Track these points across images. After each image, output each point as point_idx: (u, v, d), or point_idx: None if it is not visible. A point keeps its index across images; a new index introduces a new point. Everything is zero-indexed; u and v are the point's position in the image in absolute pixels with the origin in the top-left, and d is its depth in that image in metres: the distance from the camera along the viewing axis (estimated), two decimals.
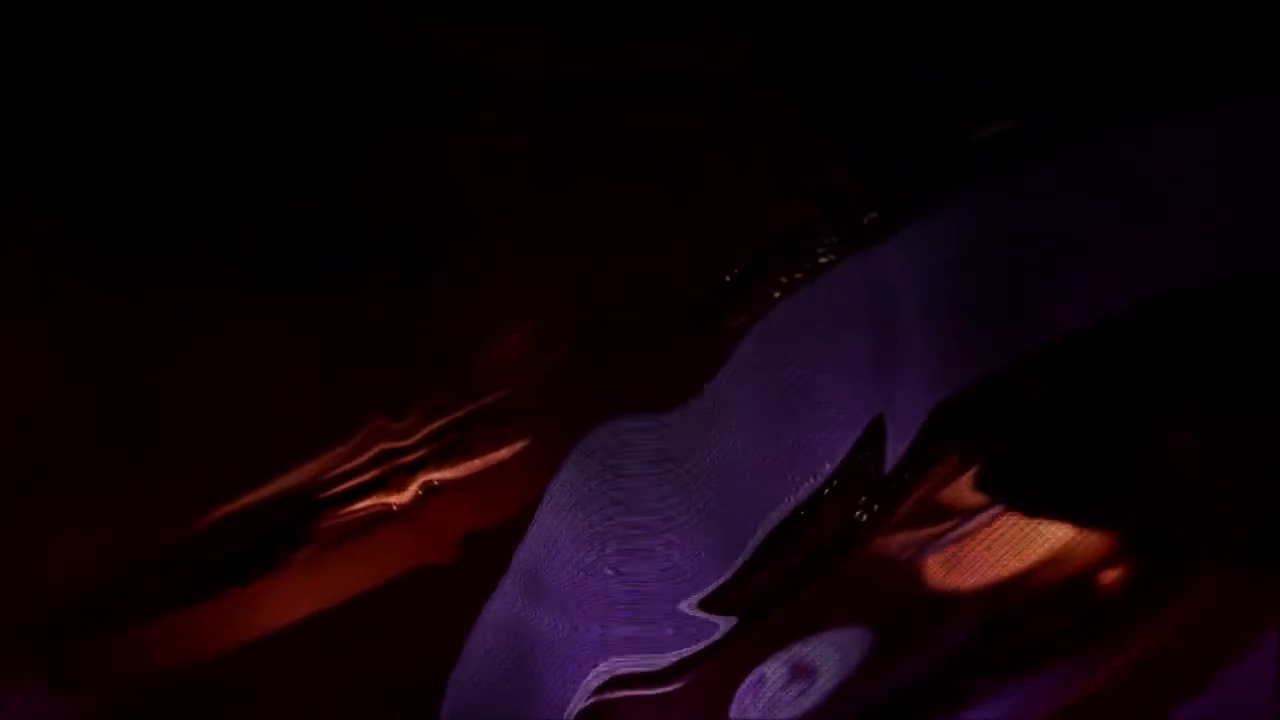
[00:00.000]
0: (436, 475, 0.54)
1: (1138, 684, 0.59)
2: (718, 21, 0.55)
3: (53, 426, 0.52)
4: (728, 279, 0.55)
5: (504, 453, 0.54)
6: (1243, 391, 0.59)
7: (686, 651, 0.56)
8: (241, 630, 0.54)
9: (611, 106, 0.54)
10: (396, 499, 0.54)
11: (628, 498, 0.55)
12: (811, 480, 0.56)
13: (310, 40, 0.53)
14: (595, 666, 0.56)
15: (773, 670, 0.57)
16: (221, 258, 0.53)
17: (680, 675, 0.56)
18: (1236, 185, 0.57)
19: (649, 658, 0.56)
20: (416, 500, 0.54)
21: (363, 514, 0.54)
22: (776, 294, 0.55)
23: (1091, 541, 0.59)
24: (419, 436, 0.53)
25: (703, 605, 0.56)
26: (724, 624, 0.56)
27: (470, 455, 0.54)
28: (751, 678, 0.57)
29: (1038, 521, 0.58)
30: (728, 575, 0.56)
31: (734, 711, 0.57)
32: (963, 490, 0.57)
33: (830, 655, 0.57)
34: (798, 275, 0.55)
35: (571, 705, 0.56)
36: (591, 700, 0.56)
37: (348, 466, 0.53)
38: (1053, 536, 0.58)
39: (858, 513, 0.56)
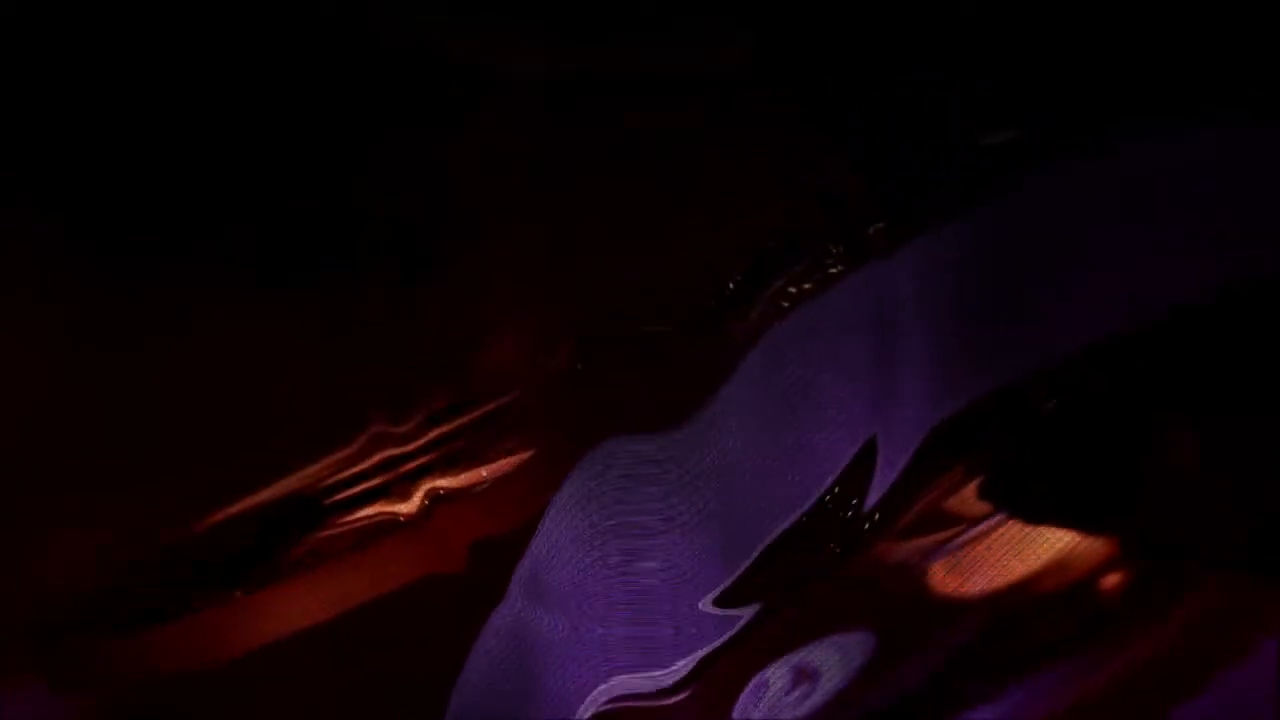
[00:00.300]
0: (441, 482, 0.54)
1: (1139, 685, 0.59)
2: (718, 21, 0.55)
3: (53, 426, 0.52)
4: (731, 285, 0.55)
5: (509, 461, 0.54)
6: (1243, 393, 0.59)
7: (689, 662, 0.56)
8: (246, 636, 0.54)
9: (611, 106, 0.54)
10: (402, 508, 0.54)
11: (629, 500, 0.55)
12: (816, 486, 0.56)
13: (310, 40, 0.53)
14: (599, 685, 0.56)
15: (775, 674, 0.57)
16: (221, 258, 0.53)
17: (685, 687, 0.56)
18: (1236, 185, 0.57)
19: (653, 675, 0.56)
20: (423, 510, 0.54)
21: (369, 522, 0.54)
22: (785, 304, 0.55)
23: (1094, 545, 0.59)
24: (422, 441, 0.53)
25: (718, 602, 0.56)
26: (731, 626, 0.56)
27: (475, 463, 0.54)
28: (754, 681, 0.57)
29: (1041, 527, 0.58)
30: (736, 576, 0.56)
31: (736, 713, 0.57)
32: (967, 498, 0.57)
33: (833, 658, 0.57)
34: (807, 286, 0.55)
35: (578, 716, 0.56)
36: (597, 710, 0.56)
37: (351, 471, 0.53)
38: (1056, 541, 0.58)
39: (863, 520, 0.56)
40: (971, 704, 0.59)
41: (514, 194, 0.54)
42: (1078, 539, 0.59)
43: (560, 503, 0.55)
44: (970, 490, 0.57)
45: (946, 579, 0.58)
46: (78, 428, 0.52)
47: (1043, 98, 0.56)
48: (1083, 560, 0.59)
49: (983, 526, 0.58)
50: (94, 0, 0.52)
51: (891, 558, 0.57)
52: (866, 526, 0.56)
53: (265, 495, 0.53)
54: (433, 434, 0.54)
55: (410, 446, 0.53)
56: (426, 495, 0.54)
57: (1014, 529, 0.58)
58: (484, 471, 0.54)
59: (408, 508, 0.54)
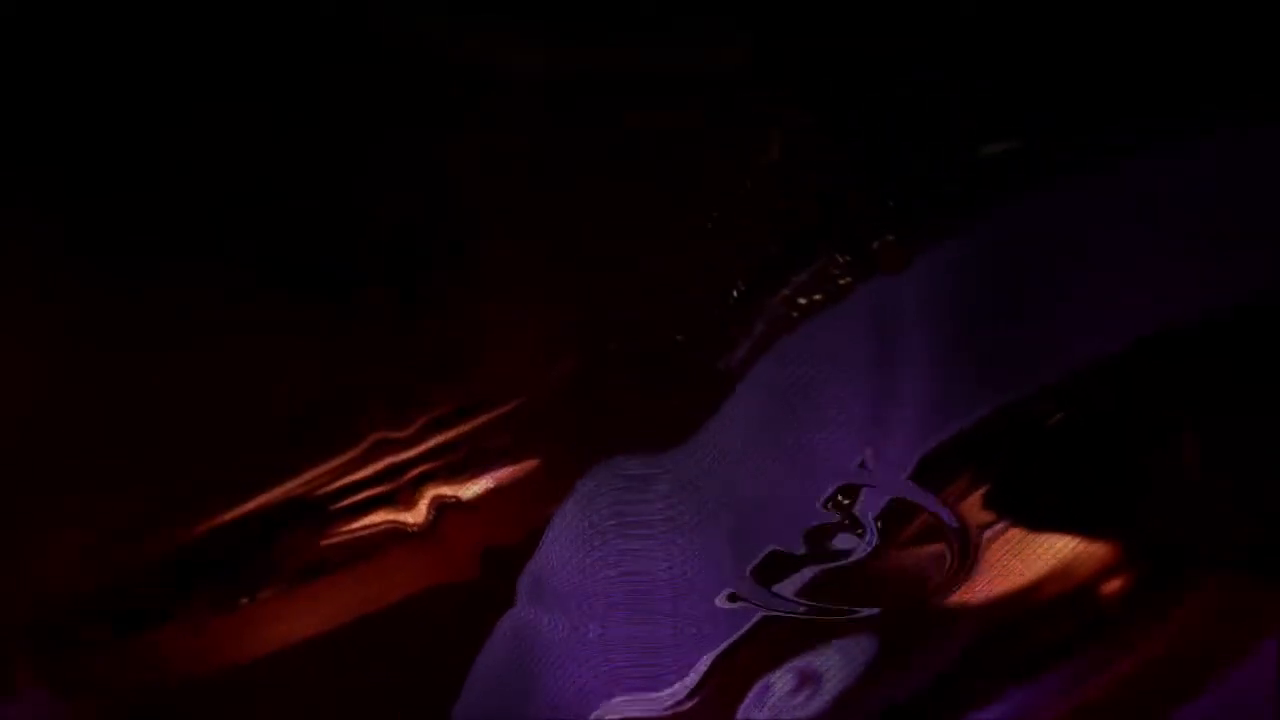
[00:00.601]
0: (446, 490, 0.54)
1: (1140, 686, 0.59)
2: (718, 21, 0.54)
3: (53, 426, 0.52)
4: (735, 293, 0.55)
5: (514, 470, 0.54)
6: (1245, 394, 0.59)
7: (695, 675, 0.56)
8: (250, 643, 0.53)
9: (611, 106, 0.54)
10: (408, 516, 0.54)
11: (630, 500, 0.55)
12: (817, 487, 0.56)
13: (310, 40, 0.53)
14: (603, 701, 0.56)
15: (779, 678, 0.57)
16: (221, 258, 0.53)
17: (692, 697, 0.56)
18: (1236, 185, 0.57)
19: (656, 696, 0.56)
20: (429, 518, 0.54)
21: (374, 530, 0.54)
22: (795, 314, 0.55)
23: (1096, 549, 0.59)
24: (426, 446, 0.53)
25: (732, 598, 0.56)
26: (735, 630, 0.56)
27: (479, 471, 0.54)
28: (758, 685, 0.57)
29: (1045, 534, 0.58)
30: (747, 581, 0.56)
31: (739, 715, 0.57)
32: (973, 507, 0.57)
33: (836, 662, 0.57)
34: (817, 297, 0.55)
35: None
36: None
37: (353, 476, 0.53)
38: (1058, 546, 0.58)
39: (867, 528, 0.56)
40: (974, 706, 0.59)
41: (514, 194, 0.54)
42: (1080, 543, 0.58)
43: (564, 514, 0.55)
44: (976, 500, 0.57)
45: (950, 584, 0.58)
46: (78, 428, 0.52)
47: (1043, 98, 0.56)
48: (1085, 564, 0.59)
49: (989, 533, 0.58)
50: (94, 0, 0.52)
51: (896, 564, 0.57)
52: (873, 533, 0.56)
53: (266, 498, 0.53)
54: (435, 440, 0.54)
55: (412, 452, 0.53)
56: (432, 503, 0.54)
57: (1017, 534, 0.58)
58: (488, 479, 0.54)
59: (413, 516, 0.54)
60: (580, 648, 0.56)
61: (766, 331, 0.55)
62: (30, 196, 0.52)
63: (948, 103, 0.55)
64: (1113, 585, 0.59)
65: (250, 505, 0.53)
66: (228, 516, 0.53)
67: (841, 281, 0.55)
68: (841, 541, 0.56)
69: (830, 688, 0.57)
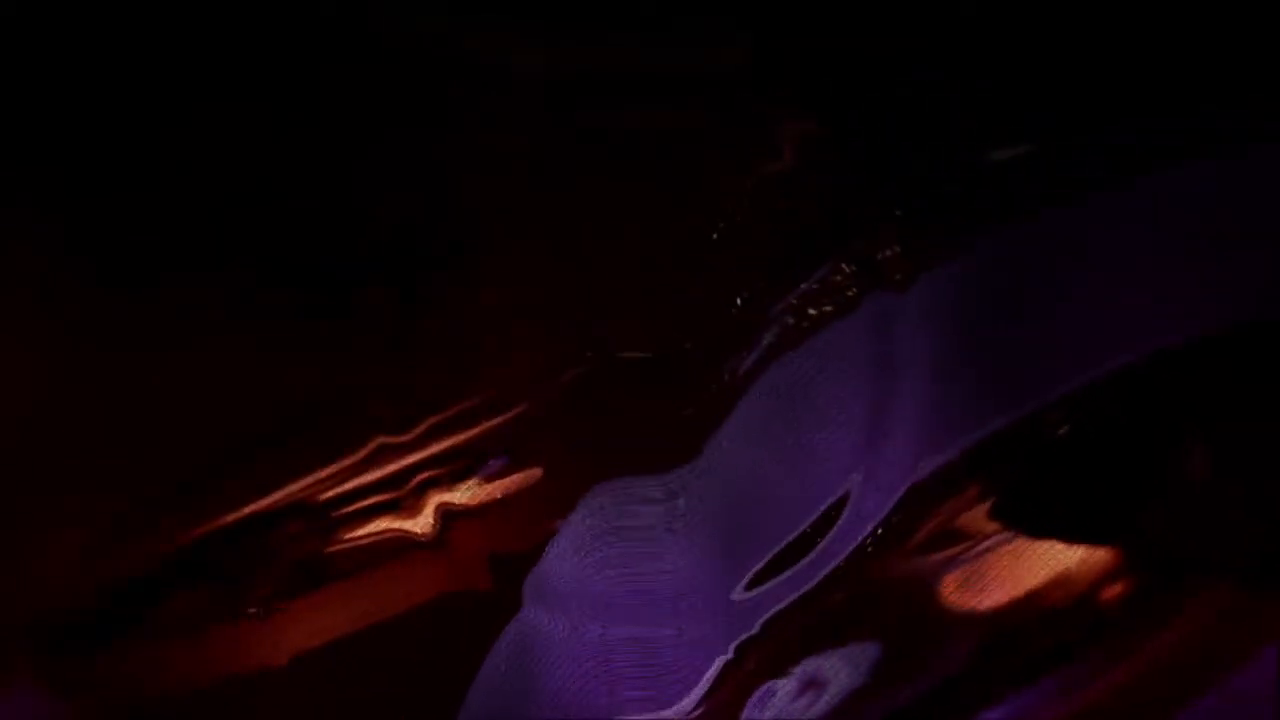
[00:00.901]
0: (451, 497, 0.54)
1: (1141, 690, 0.59)
2: (718, 21, 0.55)
3: (53, 426, 0.52)
4: (739, 301, 0.55)
5: (520, 478, 0.54)
6: (1254, 401, 0.59)
7: (704, 685, 0.56)
8: (254, 650, 0.53)
9: (611, 106, 0.54)
10: (415, 526, 0.54)
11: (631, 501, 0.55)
12: (817, 488, 0.56)
13: (310, 40, 0.53)
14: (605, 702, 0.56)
15: (782, 682, 0.57)
16: (221, 258, 0.53)
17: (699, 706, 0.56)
18: (1236, 185, 0.57)
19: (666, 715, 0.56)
20: (434, 528, 0.54)
21: (380, 539, 0.54)
22: (805, 324, 0.55)
23: (1101, 556, 0.59)
24: (429, 452, 0.53)
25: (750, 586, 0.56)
26: (743, 634, 0.56)
27: (485, 479, 0.54)
28: (762, 690, 0.57)
29: (1051, 542, 0.58)
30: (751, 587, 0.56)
31: (743, 715, 0.57)
32: (979, 516, 0.57)
33: (840, 666, 0.57)
34: (828, 309, 0.55)
35: None
36: None
37: (357, 481, 0.53)
38: (1063, 554, 0.58)
39: (874, 538, 0.56)
40: (975, 709, 0.59)
41: (514, 194, 0.54)
42: (1084, 550, 0.58)
43: (571, 523, 0.55)
44: (983, 509, 0.57)
45: (958, 593, 0.58)
46: (78, 428, 0.52)
47: (1043, 98, 0.56)
48: (1089, 570, 0.59)
49: (991, 541, 0.58)
50: (94, 0, 0.52)
51: (900, 572, 0.57)
52: (876, 544, 0.56)
53: (267, 501, 0.53)
54: (438, 445, 0.54)
55: (415, 457, 0.53)
56: (437, 510, 0.54)
57: (1027, 545, 0.58)
58: (494, 487, 0.54)
59: (419, 525, 0.54)
60: (580, 648, 0.56)
61: (774, 342, 0.55)
62: (30, 196, 0.52)
63: (948, 103, 0.55)
64: (1115, 590, 0.59)
65: (251, 508, 0.53)
66: (229, 518, 0.53)
67: (849, 293, 0.55)
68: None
69: (833, 692, 0.57)
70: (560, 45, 0.54)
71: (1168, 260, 0.57)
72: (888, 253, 0.55)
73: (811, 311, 0.55)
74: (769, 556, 0.56)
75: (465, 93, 0.54)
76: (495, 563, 0.55)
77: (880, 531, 0.56)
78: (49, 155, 0.52)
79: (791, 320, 0.55)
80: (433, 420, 0.53)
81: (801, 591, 0.56)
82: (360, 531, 0.54)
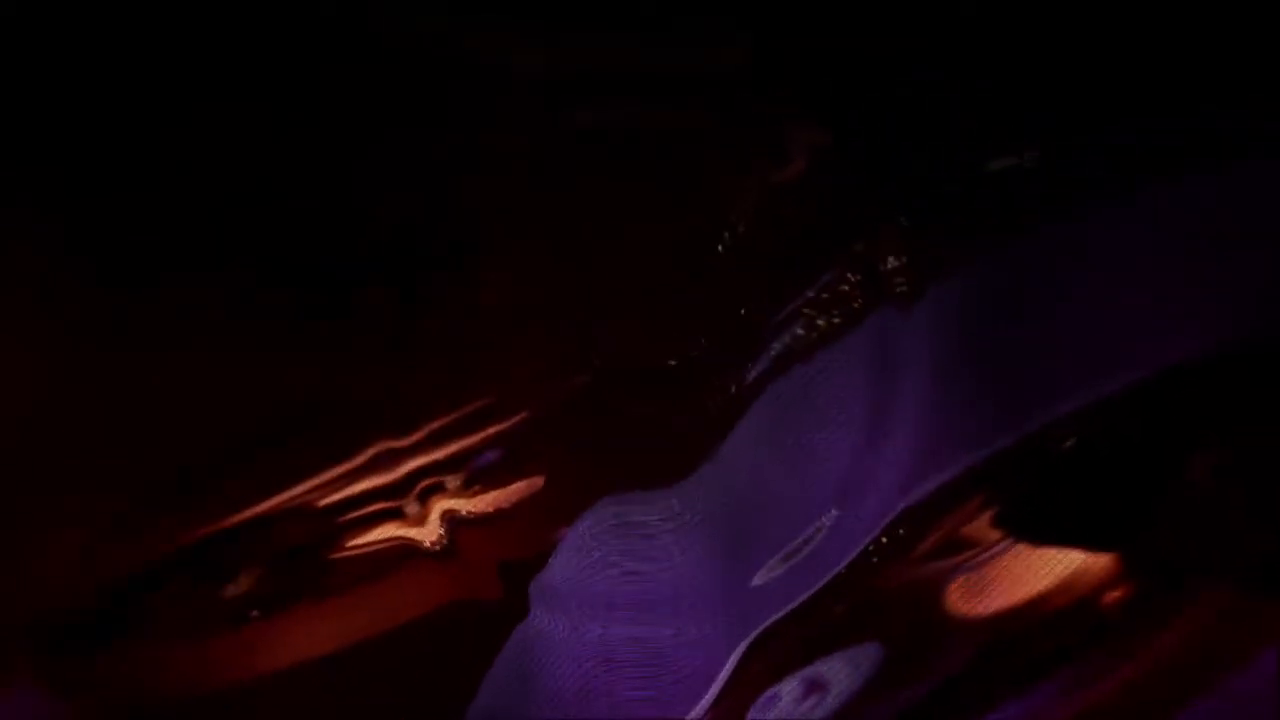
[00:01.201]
0: (457, 505, 0.54)
1: (1142, 691, 0.59)
2: (718, 21, 0.55)
3: (53, 426, 0.52)
4: (743, 310, 0.55)
5: (525, 485, 0.54)
6: (1258, 410, 0.59)
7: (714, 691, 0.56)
8: (257, 655, 0.53)
9: (611, 106, 0.54)
10: (421, 534, 0.54)
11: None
12: (817, 488, 0.56)
13: (310, 40, 0.53)
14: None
15: (787, 687, 0.57)
16: (221, 258, 0.53)
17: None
18: (1236, 185, 0.57)
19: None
20: (442, 537, 0.54)
21: (386, 546, 0.54)
22: (814, 335, 0.55)
23: (1102, 562, 0.59)
24: (432, 457, 0.53)
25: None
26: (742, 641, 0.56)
27: (490, 486, 0.54)
28: (765, 694, 0.57)
29: (1053, 548, 0.58)
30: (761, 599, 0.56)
31: (749, 716, 0.57)
32: (983, 525, 0.57)
33: (843, 671, 0.57)
34: (837, 320, 0.55)
35: None
36: None
37: (359, 485, 0.53)
38: (1065, 561, 0.58)
39: (882, 540, 0.56)
40: (977, 712, 0.59)
41: (514, 194, 0.54)
42: (1087, 556, 0.58)
43: (573, 540, 0.55)
44: (987, 519, 0.57)
45: (963, 599, 0.58)
46: (78, 428, 0.52)
47: (1043, 98, 0.56)
48: (1090, 576, 0.59)
49: (994, 549, 0.58)
50: (94, 0, 0.52)
51: (904, 579, 0.57)
52: (881, 554, 0.56)
53: (269, 503, 0.53)
54: (441, 450, 0.54)
55: (418, 462, 0.53)
56: (443, 518, 0.54)
57: (1025, 550, 0.58)
58: (499, 494, 0.54)
59: (425, 533, 0.54)
60: (580, 648, 0.56)
61: (782, 352, 0.55)
62: (30, 196, 0.52)
63: (948, 103, 0.55)
64: (1116, 594, 0.59)
65: (252, 509, 0.53)
66: (230, 519, 0.53)
67: (855, 304, 0.55)
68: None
69: (837, 695, 0.57)
70: (560, 45, 0.54)
71: (1168, 261, 0.57)
72: (892, 262, 0.55)
73: (820, 323, 0.55)
74: (771, 559, 0.56)
75: (465, 93, 0.54)
76: (500, 570, 0.55)
77: (885, 541, 0.56)
78: (49, 155, 0.52)
79: (801, 331, 0.55)
80: (435, 424, 0.53)
81: (806, 596, 0.56)
82: (367, 538, 0.54)
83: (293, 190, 0.53)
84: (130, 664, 0.53)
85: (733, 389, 0.55)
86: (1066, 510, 0.59)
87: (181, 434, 0.53)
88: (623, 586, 0.55)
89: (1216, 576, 0.60)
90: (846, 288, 0.55)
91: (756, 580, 0.56)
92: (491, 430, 0.54)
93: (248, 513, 0.53)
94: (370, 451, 0.53)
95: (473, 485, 0.54)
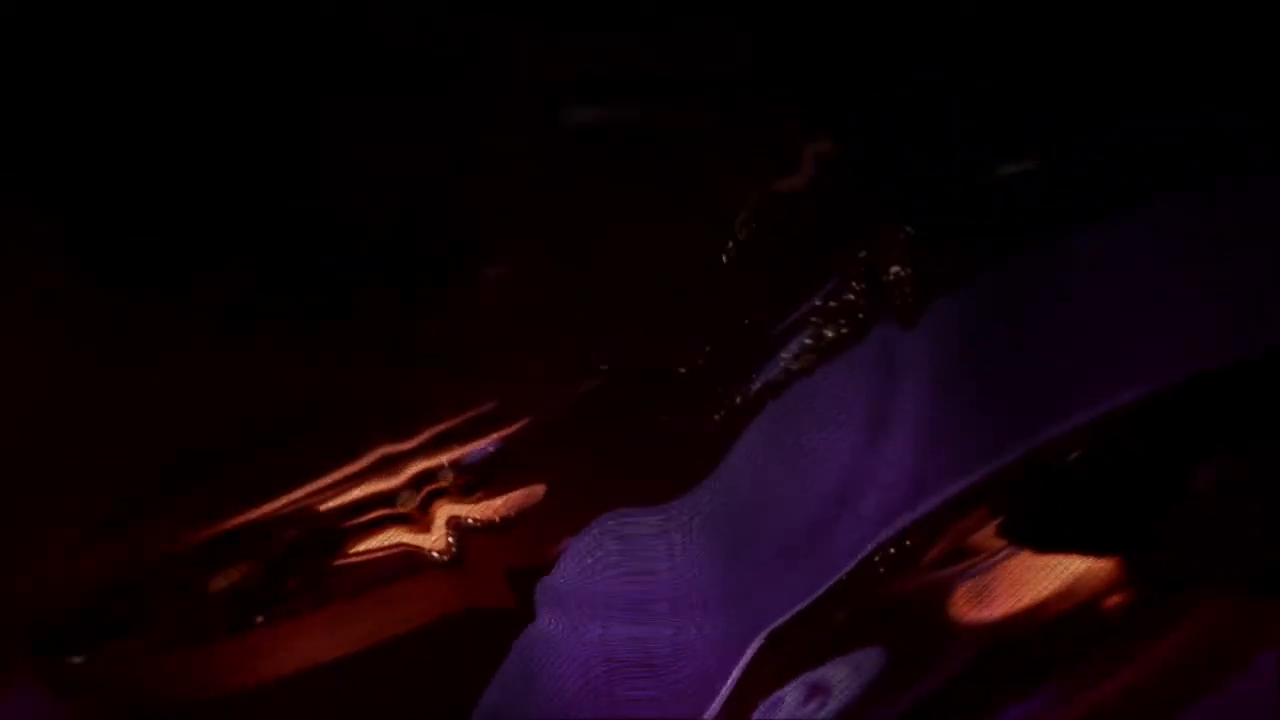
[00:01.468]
0: (461, 511, 0.54)
1: (1146, 691, 0.59)
2: (718, 21, 0.55)
3: (53, 426, 0.52)
4: (747, 320, 0.55)
5: (529, 492, 0.54)
6: (1265, 414, 0.59)
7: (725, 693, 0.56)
8: (261, 661, 0.53)
9: (611, 106, 0.54)
10: (427, 542, 0.54)
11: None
12: (817, 489, 0.56)
13: (310, 40, 0.53)
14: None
15: (791, 689, 0.57)
16: (221, 258, 0.53)
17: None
18: (1235, 184, 0.57)
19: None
20: (448, 544, 0.54)
21: (391, 554, 0.54)
22: (823, 344, 0.55)
23: (1107, 568, 0.59)
24: (435, 461, 0.53)
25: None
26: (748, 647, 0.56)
27: (495, 491, 0.54)
28: (770, 699, 0.57)
29: (1057, 556, 0.58)
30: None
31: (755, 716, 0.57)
32: (988, 534, 0.57)
33: (845, 675, 0.57)
34: (845, 330, 0.55)
35: None
36: None
37: (361, 489, 0.53)
38: (1071, 566, 0.58)
39: (889, 550, 0.56)
40: (981, 714, 0.59)
41: (514, 194, 0.54)
42: (1090, 563, 0.58)
43: (578, 550, 0.55)
44: (990, 527, 0.57)
45: (961, 601, 0.58)
46: (78, 428, 0.52)
47: (1043, 98, 0.56)
48: (1094, 581, 0.59)
49: (999, 556, 0.58)
50: (94, 0, 0.52)
51: (909, 585, 0.57)
52: (888, 565, 0.56)
53: (270, 506, 0.53)
54: (444, 455, 0.54)
55: (420, 465, 0.53)
56: (449, 524, 0.54)
57: (1028, 558, 0.58)
58: (504, 500, 0.54)
59: (431, 541, 0.54)
60: (580, 648, 0.56)
61: (788, 363, 0.55)
62: (30, 196, 0.52)
63: (948, 103, 0.55)
64: (1117, 600, 0.59)
65: (253, 511, 0.53)
66: (231, 521, 0.53)
67: (861, 315, 0.55)
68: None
69: (840, 698, 0.57)
70: (560, 45, 0.54)
71: (1169, 262, 0.57)
72: (897, 272, 0.55)
73: (829, 333, 0.55)
74: (774, 561, 0.56)
75: (465, 93, 0.54)
76: (505, 577, 0.55)
77: (893, 552, 0.56)
78: (49, 155, 0.52)
79: (810, 340, 0.55)
80: (436, 426, 0.53)
81: (811, 601, 0.56)
82: (370, 544, 0.54)
83: (293, 190, 0.53)
84: (130, 664, 0.53)
85: (738, 399, 0.55)
86: (1071, 519, 0.58)
87: (182, 434, 0.53)
88: (623, 587, 0.55)
89: (1218, 582, 0.60)
90: (852, 297, 0.55)
91: (758, 581, 0.56)
92: (495, 434, 0.54)
93: (249, 514, 0.53)
94: (371, 452, 0.53)
95: (476, 491, 0.54)
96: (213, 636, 0.53)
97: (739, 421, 0.55)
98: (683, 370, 0.55)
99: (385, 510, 0.54)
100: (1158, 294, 0.57)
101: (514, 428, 0.54)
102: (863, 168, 0.56)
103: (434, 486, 0.54)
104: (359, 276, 0.53)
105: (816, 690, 0.57)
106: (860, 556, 0.56)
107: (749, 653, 0.56)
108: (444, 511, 0.54)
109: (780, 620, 0.56)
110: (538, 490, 0.54)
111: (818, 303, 0.55)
